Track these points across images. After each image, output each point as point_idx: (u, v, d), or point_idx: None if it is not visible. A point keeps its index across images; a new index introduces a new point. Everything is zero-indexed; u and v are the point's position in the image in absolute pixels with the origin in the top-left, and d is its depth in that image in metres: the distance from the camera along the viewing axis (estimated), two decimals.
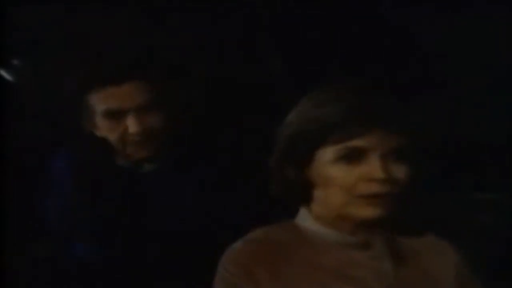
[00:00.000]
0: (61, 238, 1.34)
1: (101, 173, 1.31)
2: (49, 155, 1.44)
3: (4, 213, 1.40)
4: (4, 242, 1.37)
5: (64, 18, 1.61)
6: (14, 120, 1.53)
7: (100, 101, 1.29)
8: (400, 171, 1.00)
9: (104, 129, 1.31)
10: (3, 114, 1.50)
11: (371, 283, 1.02)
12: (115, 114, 1.29)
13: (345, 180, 1.01)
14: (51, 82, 1.63)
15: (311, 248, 1.06)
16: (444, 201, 1.39)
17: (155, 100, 1.30)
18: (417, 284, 1.03)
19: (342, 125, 1.00)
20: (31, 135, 1.55)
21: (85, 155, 1.34)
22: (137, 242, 1.28)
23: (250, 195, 1.38)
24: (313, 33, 1.63)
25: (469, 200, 1.50)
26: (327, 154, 1.03)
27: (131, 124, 1.28)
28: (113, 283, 1.27)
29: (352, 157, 1.01)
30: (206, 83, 1.59)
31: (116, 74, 1.28)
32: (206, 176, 1.36)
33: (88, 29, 1.61)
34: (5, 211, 1.40)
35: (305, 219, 1.10)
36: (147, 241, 1.28)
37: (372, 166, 0.99)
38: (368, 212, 1.00)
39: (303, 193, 1.08)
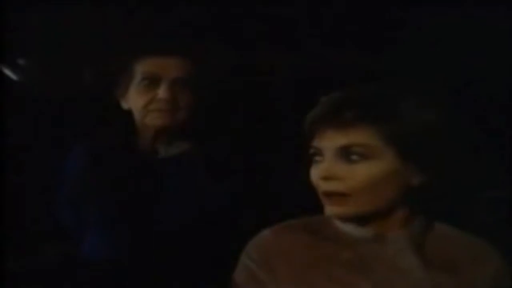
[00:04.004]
0: (72, 237, 1.38)
1: (117, 159, 1.39)
2: (54, 152, 1.47)
3: (12, 213, 1.41)
4: (11, 243, 1.39)
5: (67, 17, 1.62)
6: (19, 118, 1.54)
7: (142, 66, 1.38)
8: (354, 171, 1.00)
9: (135, 93, 1.39)
10: (8, 113, 1.51)
11: (389, 277, 1.02)
12: (151, 80, 1.37)
13: (313, 178, 1.05)
14: (56, 80, 1.65)
15: (335, 242, 1.08)
16: (444, 201, 1.39)
17: (190, 77, 1.38)
18: (444, 286, 1.02)
19: (308, 126, 1.05)
20: (35, 133, 1.57)
21: (105, 134, 1.44)
22: (151, 234, 1.32)
23: (271, 185, 1.42)
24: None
25: (469, 200, 1.50)
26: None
27: (162, 91, 1.35)
28: (125, 277, 1.29)
29: (317, 156, 1.04)
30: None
31: (164, 46, 1.39)
32: (224, 163, 1.41)
33: (91, 28, 1.62)
34: (12, 211, 1.41)
35: None
36: (161, 233, 1.32)
37: (323, 166, 1.02)
38: (331, 210, 1.03)
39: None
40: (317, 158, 1.05)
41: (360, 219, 1.04)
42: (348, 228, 1.07)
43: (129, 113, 1.41)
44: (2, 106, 1.51)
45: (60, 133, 1.59)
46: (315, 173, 1.04)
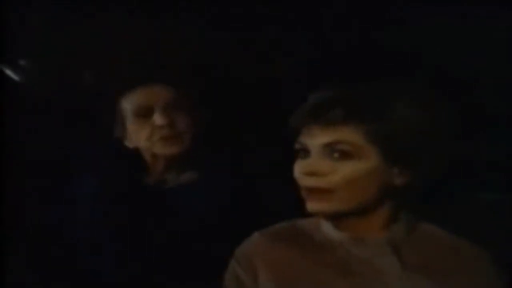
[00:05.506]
0: (73, 237, 1.38)
1: (126, 191, 1.39)
2: (55, 152, 1.47)
3: (12, 213, 1.42)
4: (11, 243, 1.39)
5: (69, 18, 1.62)
6: (21, 119, 1.55)
7: (130, 102, 1.40)
8: (338, 168, 1.01)
9: (134, 131, 1.40)
10: (10, 114, 1.51)
11: (369, 280, 1.03)
12: (144, 111, 1.38)
13: (295, 173, 1.06)
14: (57, 81, 1.65)
15: (319, 246, 1.09)
16: (445, 202, 1.39)
17: (179, 100, 1.40)
18: None
19: (295, 122, 1.06)
20: (37, 134, 1.57)
21: (113, 172, 1.43)
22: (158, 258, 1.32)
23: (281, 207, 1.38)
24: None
25: (471, 200, 1.50)
26: None
27: (158, 118, 1.36)
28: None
29: (302, 152, 1.06)
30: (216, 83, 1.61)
31: (145, 77, 1.41)
32: (229, 186, 1.40)
33: (93, 29, 1.62)
34: (12, 211, 1.42)
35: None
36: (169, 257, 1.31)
37: (307, 161, 1.04)
38: (312, 206, 1.04)
39: None
40: (302, 154, 1.06)
41: (341, 218, 1.05)
42: (330, 231, 1.08)
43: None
44: (3, 106, 1.52)
45: (61, 133, 1.59)
46: (298, 168, 1.05)
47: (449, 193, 1.41)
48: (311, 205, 1.04)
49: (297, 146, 1.07)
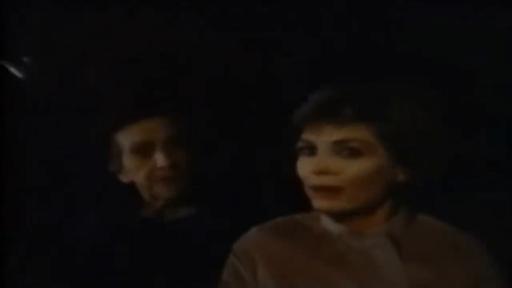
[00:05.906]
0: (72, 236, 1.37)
1: (125, 226, 1.33)
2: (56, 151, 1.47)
3: (12, 213, 1.42)
4: (11, 243, 1.39)
5: (69, 18, 1.62)
6: (21, 119, 1.55)
7: (126, 137, 1.31)
8: (348, 166, 1.01)
9: (131, 167, 1.32)
10: (10, 113, 1.51)
11: (367, 273, 1.04)
12: (142, 148, 1.30)
13: (301, 171, 1.06)
14: (57, 81, 1.65)
15: (317, 240, 1.10)
16: (445, 202, 1.39)
17: (180, 135, 1.32)
18: (423, 281, 1.03)
19: (300, 120, 1.05)
20: (37, 134, 1.57)
21: (111, 207, 1.38)
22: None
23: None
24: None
25: (471, 200, 1.50)
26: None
27: (160, 159, 1.28)
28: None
29: (307, 149, 1.04)
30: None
31: (140, 112, 1.30)
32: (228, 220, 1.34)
33: (93, 29, 1.62)
34: (12, 211, 1.42)
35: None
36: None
37: (316, 159, 1.03)
38: (319, 204, 1.03)
39: None
40: (306, 151, 1.05)
41: (345, 215, 1.05)
42: (329, 225, 1.08)
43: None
44: (6, 105, 1.52)
45: (61, 133, 1.59)
46: (305, 166, 1.05)
47: (449, 193, 1.41)
48: (318, 203, 1.04)
49: (300, 143, 1.06)
